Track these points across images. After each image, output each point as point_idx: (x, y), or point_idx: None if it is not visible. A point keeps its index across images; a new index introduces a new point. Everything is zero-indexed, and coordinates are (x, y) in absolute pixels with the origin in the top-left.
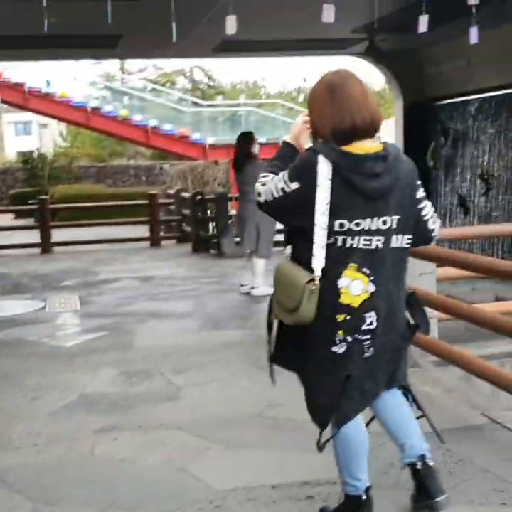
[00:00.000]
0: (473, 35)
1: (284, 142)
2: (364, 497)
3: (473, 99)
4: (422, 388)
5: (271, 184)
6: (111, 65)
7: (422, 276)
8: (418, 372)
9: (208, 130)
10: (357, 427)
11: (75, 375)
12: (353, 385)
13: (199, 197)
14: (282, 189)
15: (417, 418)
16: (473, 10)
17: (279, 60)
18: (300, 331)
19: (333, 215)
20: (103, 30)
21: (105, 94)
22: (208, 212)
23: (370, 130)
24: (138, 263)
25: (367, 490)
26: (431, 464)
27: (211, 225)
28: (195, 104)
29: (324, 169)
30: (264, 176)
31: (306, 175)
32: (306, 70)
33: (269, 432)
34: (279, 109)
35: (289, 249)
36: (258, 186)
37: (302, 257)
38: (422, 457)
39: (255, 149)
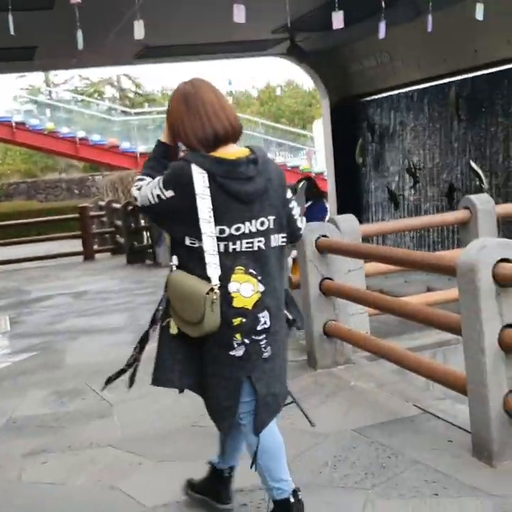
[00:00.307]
0: (382, 30)
1: (158, 141)
2: (292, 500)
3: (396, 94)
4: (355, 384)
5: (147, 189)
6: (35, 78)
7: (350, 272)
8: (352, 368)
9: (139, 138)
10: (271, 431)
11: (4, 399)
12: (264, 390)
13: (130, 207)
14: (158, 196)
15: (288, 404)
16: (383, 4)
17: (207, 64)
18: (191, 342)
19: (214, 221)
20: (17, 43)
21: (30, 108)
22: (142, 222)
23: (231, 135)
24: (71, 278)
25: (294, 493)
26: None
27: (145, 234)
28: (124, 113)
29: (200, 178)
30: (139, 180)
31: (181, 185)
32: (234, 73)
33: (202, 443)
34: None
35: (175, 259)
36: (134, 190)
37: (189, 267)
38: None
39: (180, 156)
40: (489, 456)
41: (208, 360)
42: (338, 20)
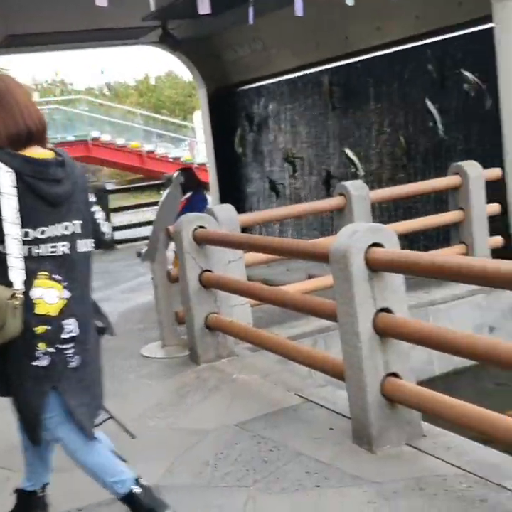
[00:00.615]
0: (251, 16)
1: None
2: (136, 489)
3: (272, 83)
4: (238, 376)
5: None
6: None
7: (230, 263)
8: (235, 361)
9: None
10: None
11: None
12: (73, 401)
13: None
14: None
15: (106, 420)
16: None
17: (83, 54)
18: None
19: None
20: None
21: None
22: None
23: (42, 135)
24: None
25: (137, 481)
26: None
27: None
28: None
29: (6, 177)
30: None
31: None
32: (113, 63)
33: None
34: (86, 105)
35: None
36: None
37: None
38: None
39: None
40: (369, 441)
41: (12, 371)
42: (204, 5)
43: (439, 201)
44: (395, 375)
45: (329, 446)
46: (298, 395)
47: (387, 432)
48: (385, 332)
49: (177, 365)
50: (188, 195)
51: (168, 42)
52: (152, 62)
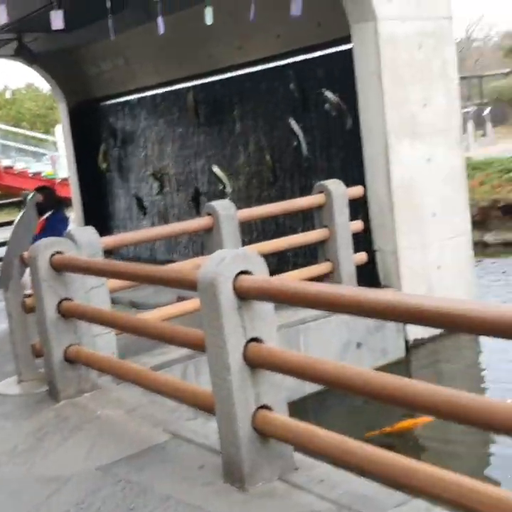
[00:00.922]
0: (111, 31)
1: None
2: None
3: (137, 98)
4: (102, 412)
5: None
6: None
7: (93, 290)
8: (98, 395)
9: None
10: None
11: None
12: None
13: None
14: None
15: None
16: (109, 6)
17: None
18: None
19: None
20: None
21: None
22: None
23: None
24: None
25: None
26: None
27: None
28: None
29: None
30: None
31: None
32: None
33: None
34: None
35: None
36: None
37: None
38: None
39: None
40: (241, 479)
41: None
42: (57, 19)
43: (308, 218)
44: (266, 407)
45: (199, 487)
46: (166, 431)
47: (260, 467)
48: (255, 363)
49: (35, 402)
50: (47, 214)
51: (25, 55)
52: (11, 74)
